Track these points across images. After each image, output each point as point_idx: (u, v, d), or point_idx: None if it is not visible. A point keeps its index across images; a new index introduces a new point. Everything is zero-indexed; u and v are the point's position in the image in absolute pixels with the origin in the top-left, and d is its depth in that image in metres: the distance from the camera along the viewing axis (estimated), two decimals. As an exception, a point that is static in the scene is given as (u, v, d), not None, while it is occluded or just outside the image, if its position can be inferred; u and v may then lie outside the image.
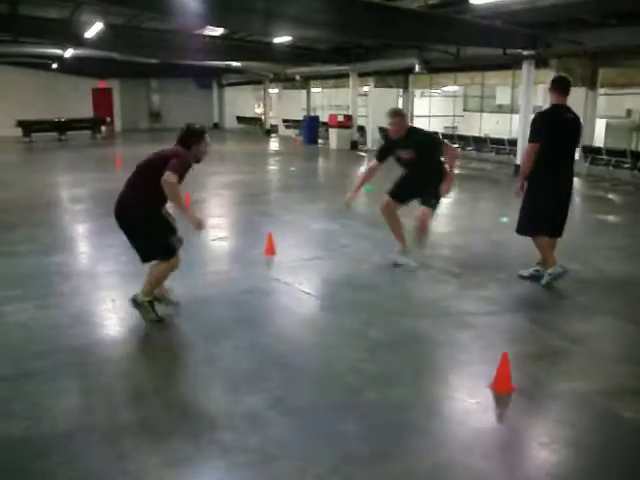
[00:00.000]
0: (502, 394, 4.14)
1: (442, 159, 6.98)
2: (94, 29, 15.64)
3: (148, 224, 5.11)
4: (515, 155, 16.39)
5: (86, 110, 30.99)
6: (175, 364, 4.65)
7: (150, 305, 5.31)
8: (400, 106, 24.23)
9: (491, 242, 8.54)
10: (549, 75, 15.47)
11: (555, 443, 3.65)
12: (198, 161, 5.29)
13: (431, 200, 6.89)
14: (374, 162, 7.17)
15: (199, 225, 5.04)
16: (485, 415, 3.96)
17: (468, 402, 4.08)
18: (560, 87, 6.35)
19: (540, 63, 15.56)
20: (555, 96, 6.36)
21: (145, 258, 5.28)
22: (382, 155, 7.17)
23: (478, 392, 4.20)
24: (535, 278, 6.55)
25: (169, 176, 4.76)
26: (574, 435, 3.76)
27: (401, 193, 7.12)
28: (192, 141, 5.19)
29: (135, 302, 5.32)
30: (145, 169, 5.13)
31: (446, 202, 12.54)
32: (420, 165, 6.81)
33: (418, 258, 7.19)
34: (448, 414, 4.04)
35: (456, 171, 6.97)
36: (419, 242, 7.19)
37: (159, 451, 3.53)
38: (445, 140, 7.63)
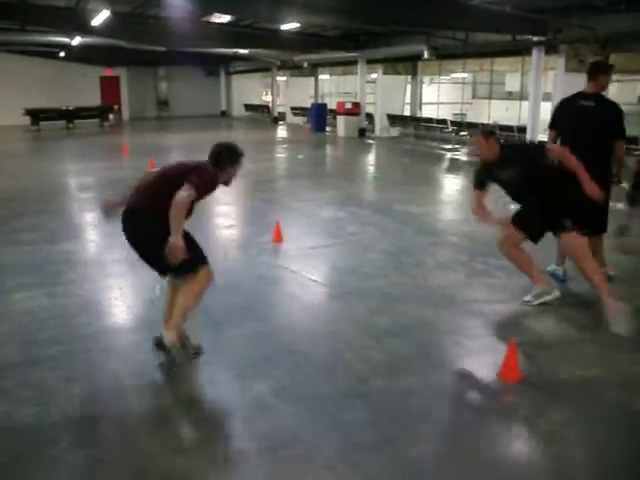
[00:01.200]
0: (509, 382, 4.13)
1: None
2: (101, 17, 15.58)
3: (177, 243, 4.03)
4: (524, 142, 16.27)
5: (94, 98, 31.00)
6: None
7: (182, 343, 4.37)
8: (408, 93, 24.20)
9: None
10: (559, 61, 15.37)
11: (563, 433, 3.64)
12: (227, 184, 4.58)
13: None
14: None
15: (177, 250, 3.99)
16: (493, 403, 3.96)
17: (476, 390, 4.07)
18: (588, 72, 6.06)
19: (550, 49, 15.43)
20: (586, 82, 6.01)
21: (163, 271, 4.43)
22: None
23: (486, 380, 4.19)
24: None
25: (185, 195, 4.01)
26: (583, 425, 3.75)
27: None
28: (227, 162, 4.44)
29: (161, 345, 4.36)
30: (169, 179, 4.25)
31: (454, 190, 12.54)
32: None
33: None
34: (456, 402, 4.03)
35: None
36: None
37: (167, 436, 3.55)
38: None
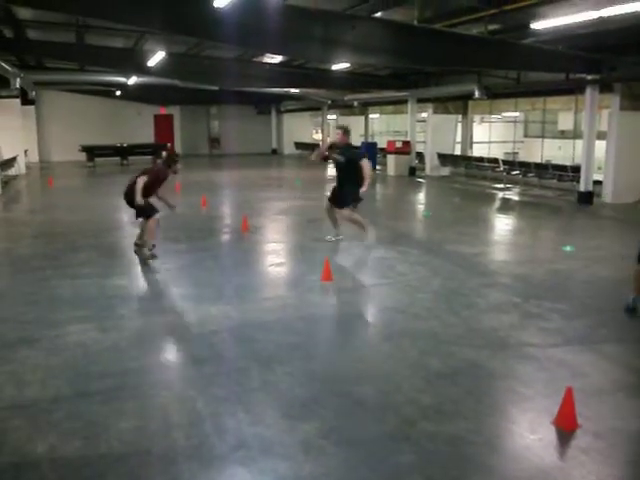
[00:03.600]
0: (566, 431, 3.98)
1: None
2: (157, 57, 16.04)
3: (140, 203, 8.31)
4: (578, 182, 16.00)
5: (148, 136, 31.81)
6: (230, 389, 4.63)
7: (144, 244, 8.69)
8: (459, 132, 24.14)
9: (553, 271, 8.32)
10: (613, 99, 15.15)
11: (623, 484, 3.48)
12: (175, 173, 8.84)
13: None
14: None
15: (141, 203, 8.27)
16: (547, 452, 3.81)
17: (530, 438, 3.93)
18: None
19: (604, 87, 15.24)
20: None
21: (138, 216, 8.71)
22: None
23: (540, 428, 4.05)
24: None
25: (138, 181, 8.23)
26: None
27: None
28: (171, 161, 8.78)
29: (137, 246, 8.78)
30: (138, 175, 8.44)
31: (506, 230, 12.37)
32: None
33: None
34: (508, 450, 3.90)
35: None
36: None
37: (213, 477, 3.51)
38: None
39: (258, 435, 3.94)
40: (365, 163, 9.32)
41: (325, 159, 10.31)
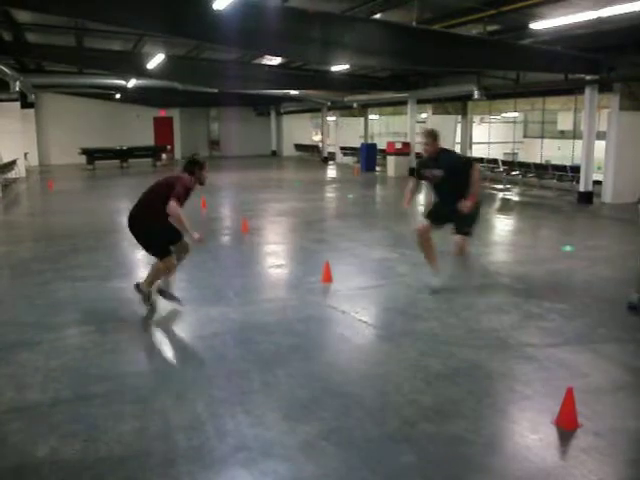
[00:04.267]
0: (567, 430, 3.98)
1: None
2: (156, 60, 16.05)
3: (153, 231, 6.28)
4: (578, 182, 16.01)
5: (147, 138, 31.83)
6: (230, 391, 4.63)
7: (148, 294, 6.46)
8: (459, 133, 24.14)
9: (553, 271, 8.31)
10: (613, 100, 15.16)
11: (624, 484, 3.48)
12: (202, 184, 6.59)
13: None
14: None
15: (199, 240, 6.09)
16: (548, 452, 3.80)
17: (530, 438, 3.93)
18: None
19: (603, 87, 15.24)
20: None
21: (154, 254, 6.46)
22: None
23: (541, 427, 4.04)
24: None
25: (172, 206, 5.98)
26: (644, 476, 3.58)
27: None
28: (196, 168, 6.47)
29: (137, 287, 6.53)
30: (153, 192, 6.44)
31: (505, 230, 12.36)
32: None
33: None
34: (508, 450, 3.90)
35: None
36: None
37: (213, 479, 3.51)
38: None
39: (258, 437, 3.94)
40: (476, 168, 6.92)
41: (422, 178, 7.32)
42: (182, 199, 6.16)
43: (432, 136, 6.98)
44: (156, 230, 6.23)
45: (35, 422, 4.16)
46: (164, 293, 6.64)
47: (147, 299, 6.46)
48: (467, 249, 7.47)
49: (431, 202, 7.39)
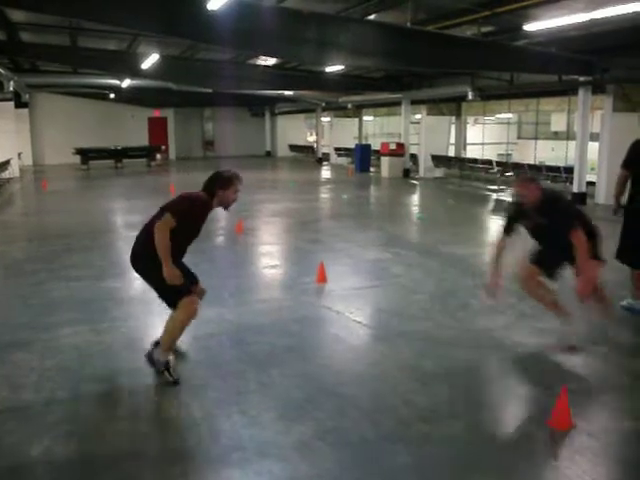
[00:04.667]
0: (560, 430, 3.99)
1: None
2: (150, 60, 16.04)
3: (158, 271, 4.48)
4: (572, 183, 16.06)
5: (142, 138, 31.76)
6: (225, 391, 4.63)
7: (166, 366, 4.75)
8: (453, 133, 24.17)
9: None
10: (606, 101, 15.21)
11: (617, 483, 3.49)
12: (225, 207, 4.95)
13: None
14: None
15: (172, 277, 4.46)
16: (542, 452, 3.82)
17: (524, 438, 3.94)
18: None
19: (597, 89, 15.30)
20: None
21: (168, 300, 4.80)
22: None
23: (535, 427, 4.06)
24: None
25: (162, 221, 4.46)
26: (637, 476, 3.59)
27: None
28: (216, 187, 4.79)
29: (150, 358, 4.83)
30: (158, 216, 4.65)
31: (498, 231, 12.37)
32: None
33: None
34: (503, 450, 3.90)
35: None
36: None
37: (208, 479, 3.51)
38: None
39: (254, 437, 3.94)
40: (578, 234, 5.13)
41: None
42: (185, 221, 4.58)
43: (528, 181, 5.54)
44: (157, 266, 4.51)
45: (30, 422, 4.15)
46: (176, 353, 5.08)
47: (167, 371, 4.72)
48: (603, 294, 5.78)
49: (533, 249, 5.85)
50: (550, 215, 5.35)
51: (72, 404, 4.42)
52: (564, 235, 5.17)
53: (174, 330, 4.73)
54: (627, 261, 6.60)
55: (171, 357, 4.83)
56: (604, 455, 3.80)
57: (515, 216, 5.74)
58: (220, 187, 4.78)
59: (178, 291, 4.62)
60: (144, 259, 4.67)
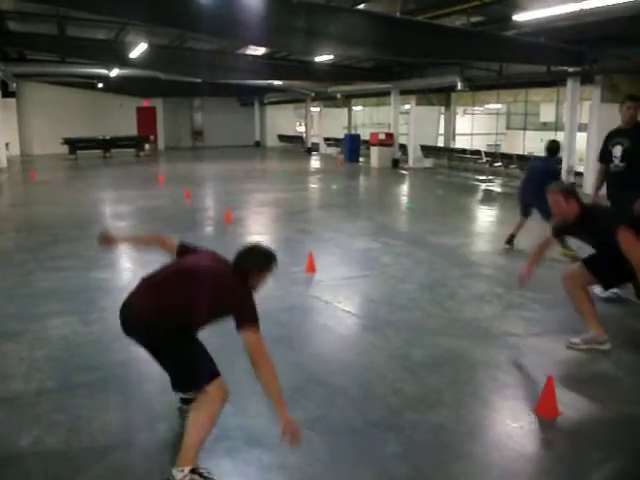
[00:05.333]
0: (547, 418, 4.03)
1: None
2: (139, 49, 15.95)
3: (176, 342, 3.44)
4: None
5: (130, 128, 31.57)
6: (214, 381, 4.63)
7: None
8: (442, 124, 24.17)
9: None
10: (594, 92, 15.26)
11: (602, 470, 3.53)
12: (254, 288, 3.68)
13: None
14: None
15: (292, 428, 3.23)
16: (529, 440, 3.86)
17: (511, 426, 3.98)
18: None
19: (585, 80, 15.35)
20: None
21: (187, 386, 3.77)
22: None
23: (522, 416, 4.10)
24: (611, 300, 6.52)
25: (251, 337, 3.38)
26: (622, 462, 3.63)
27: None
28: (255, 268, 3.62)
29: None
30: (181, 280, 3.54)
31: (488, 221, 12.42)
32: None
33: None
34: (490, 438, 3.94)
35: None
36: None
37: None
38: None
39: (242, 426, 3.96)
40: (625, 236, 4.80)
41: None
42: (220, 305, 3.50)
43: (564, 193, 5.08)
44: (183, 338, 3.46)
45: (19, 412, 4.15)
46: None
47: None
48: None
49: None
50: (593, 230, 5.11)
51: (61, 394, 4.43)
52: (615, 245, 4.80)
53: (203, 427, 3.33)
54: None
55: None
56: (590, 443, 3.84)
57: (560, 230, 5.50)
58: (260, 271, 3.64)
59: (203, 370, 3.43)
60: (156, 329, 3.42)
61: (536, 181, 8.30)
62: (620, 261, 4.85)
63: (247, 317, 3.37)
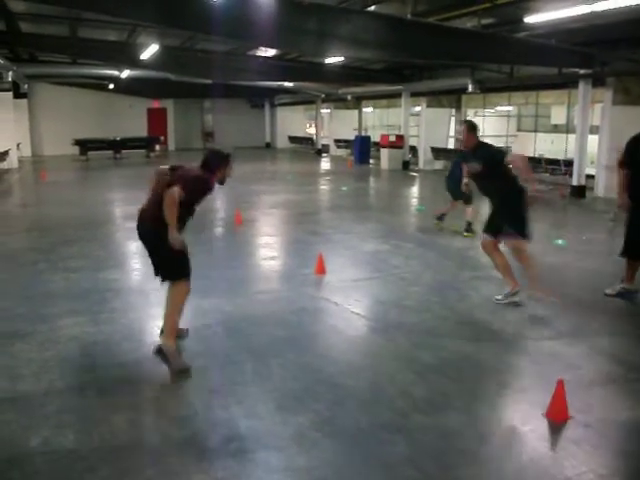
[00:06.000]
0: (557, 422, 4.01)
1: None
2: (150, 50, 15.99)
3: (166, 242, 4.71)
4: (571, 176, 16.05)
5: (141, 129, 31.66)
6: (223, 382, 4.64)
7: (173, 352, 4.96)
8: (452, 126, 24.13)
9: (545, 265, 8.32)
10: (606, 94, 15.18)
11: (614, 475, 3.51)
12: (222, 183, 5.18)
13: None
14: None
15: (176, 241, 4.71)
16: (539, 443, 3.83)
17: (521, 429, 3.95)
18: None
19: (597, 82, 15.27)
20: None
21: (164, 277, 5.06)
22: None
23: (532, 419, 4.07)
24: (621, 295, 6.76)
25: (174, 191, 4.62)
26: (634, 467, 3.61)
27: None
28: (217, 165, 5.09)
29: (159, 351, 5.03)
30: (166, 185, 4.82)
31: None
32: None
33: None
34: (499, 441, 3.92)
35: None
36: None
37: (205, 470, 3.52)
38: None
39: (251, 427, 3.95)
40: (516, 157, 6.75)
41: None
42: (191, 196, 4.84)
43: (467, 125, 6.60)
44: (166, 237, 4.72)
45: (28, 412, 4.16)
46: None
47: (178, 356, 4.96)
48: (525, 255, 6.55)
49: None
50: (483, 157, 6.40)
51: (71, 395, 4.44)
52: (502, 178, 6.36)
53: (173, 313, 5.04)
54: (632, 255, 6.69)
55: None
56: (601, 446, 3.81)
57: (464, 157, 7.05)
58: (220, 165, 5.07)
59: (180, 269, 4.97)
60: (152, 230, 4.90)
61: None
62: (502, 212, 6.44)
63: (181, 184, 4.69)
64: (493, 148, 6.77)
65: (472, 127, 6.56)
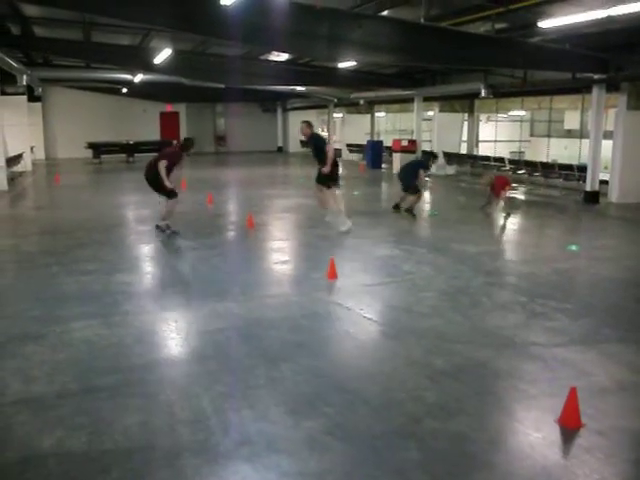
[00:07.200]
0: (570, 429, 3.98)
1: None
2: (163, 55, 16.06)
3: (161, 183, 10.05)
4: (584, 181, 15.97)
5: (154, 133, 31.83)
6: (235, 386, 4.65)
7: (166, 225, 10.50)
8: (465, 130, 24.09)
9: (558, 271, 8.30)
10: (620, 99, 15.11)
11: (627, 483, 3.48)
12: (188, 155, 10.74)
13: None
14: None
15: (167, 186, 10.08)
16: (551, 451, 3.81)
17: (533, 436, 3.93)
18: None
19: (611, 87, 15.19)
20: None
21: (166, 196, 10.40)
22: None
23: (544, 426, 4.05)
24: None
25: (161, 163, 9.94)
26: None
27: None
28: (187, 147, 10.71)
29: (158, 227, 10.61)
30: (158, 158, 10.26)
31: (511, 229, 12.34)
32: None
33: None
34: (512, 448, 3.90)
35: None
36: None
37: (217, 473, 3.52)
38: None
39: (263, 431, 3.95)
40: (329, 147, 11.19)
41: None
42: (171, 161, 10.10)
43: (306, 123, 11.21)
44: (161, 181, 10.01)
45: (41, 414, 4.18)
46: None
47: (167, 228, 10.45)
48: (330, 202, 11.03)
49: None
50: (315, 143, 11.25)
51: (83, 397, 4.46)
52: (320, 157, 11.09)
53: (169, 209, 10.50)
54: None
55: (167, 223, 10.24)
56: (613, 455, 3.78)
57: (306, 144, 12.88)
58: (187, 146, 10.73)
59: (172, 194, 10.33)
60: (154, 178, 10.10)
61: (412, 168, 13.06)
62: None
63: (166, 157, 10.13)
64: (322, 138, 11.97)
65: (310, 125, 11.19)
